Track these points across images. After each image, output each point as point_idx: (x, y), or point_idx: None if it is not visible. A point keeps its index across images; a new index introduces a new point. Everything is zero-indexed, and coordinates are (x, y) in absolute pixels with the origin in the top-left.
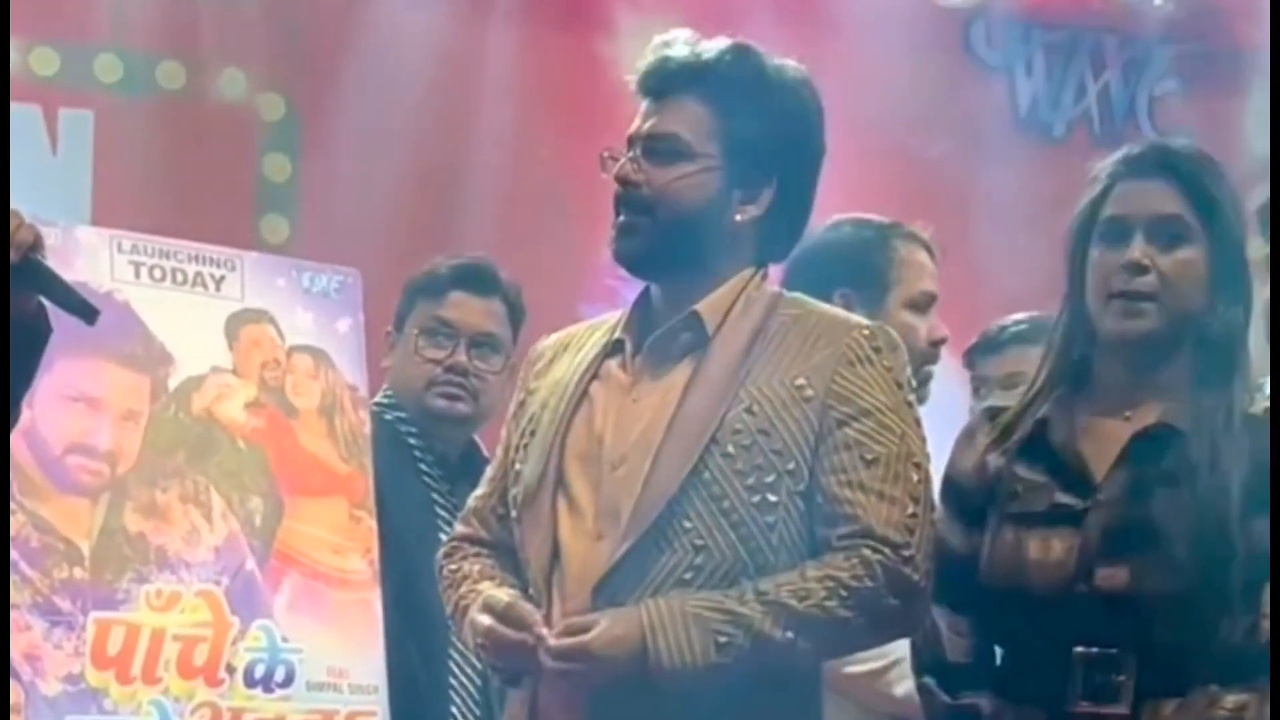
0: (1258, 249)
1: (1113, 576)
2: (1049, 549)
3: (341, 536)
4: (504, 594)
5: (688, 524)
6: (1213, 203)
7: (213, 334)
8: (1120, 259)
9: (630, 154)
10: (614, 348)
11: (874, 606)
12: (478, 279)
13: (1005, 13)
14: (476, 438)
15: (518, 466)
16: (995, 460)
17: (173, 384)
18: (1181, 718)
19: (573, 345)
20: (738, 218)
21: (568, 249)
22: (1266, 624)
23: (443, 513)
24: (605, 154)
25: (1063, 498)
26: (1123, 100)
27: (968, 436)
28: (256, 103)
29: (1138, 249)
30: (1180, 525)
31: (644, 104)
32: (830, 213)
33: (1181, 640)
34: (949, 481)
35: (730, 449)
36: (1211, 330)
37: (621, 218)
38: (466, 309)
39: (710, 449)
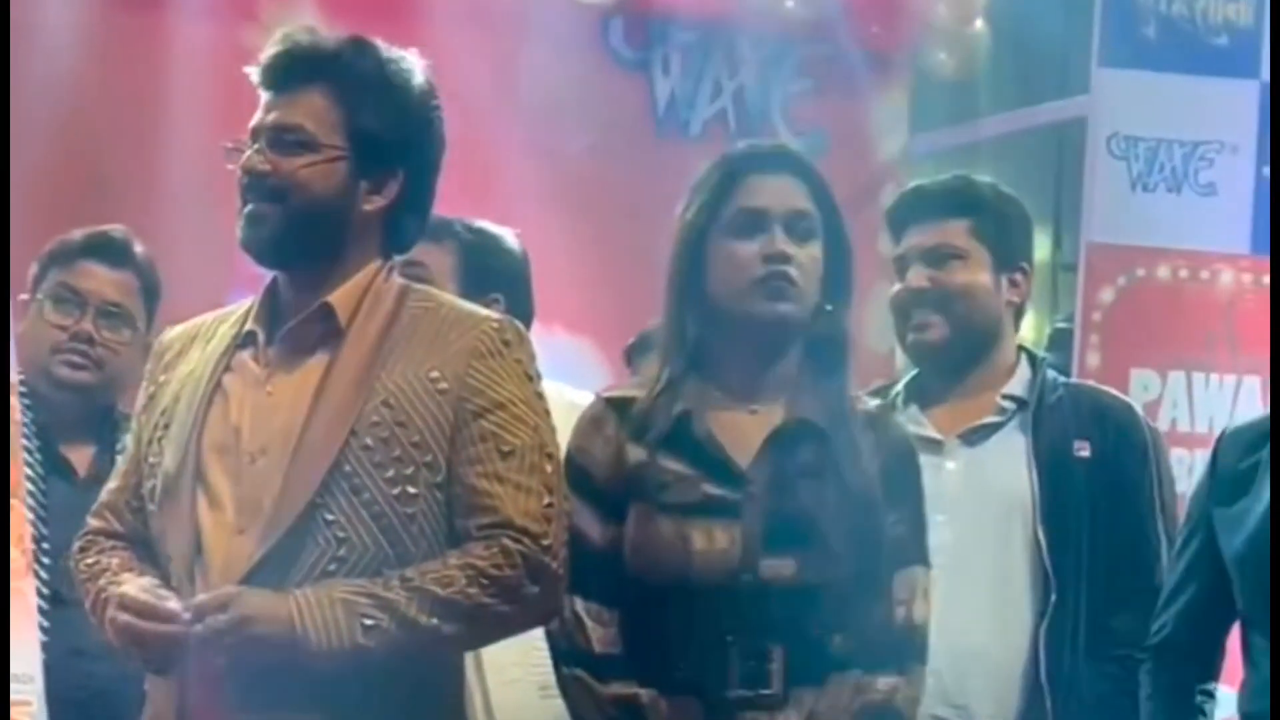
0: (888, 247)
1: (779, 567)
2: (713, 539)
3: None
4: (141, 590)
5: (330, 517)
6: (833, 204)
7: None
8: (762, 248)
9: (255, 145)
10: (246, 339)
11: (515, 594)
12: (109, 249)
13: (643, 11)
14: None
15: (152, 460)
16: (636, 453)
17: None
18: (827, 701)
19: (201, 336)
20: (365, 208)
21: (215, 236)
22: (901, 610)
23: (31, 489)
24: (229, 145)
25: (713, 489)
26: (757, 100)
27: (594, 427)
28: None
29: (780, 239)
30: (834, 517)
31: (266, 96)
32: (464, 206)
33: (832, 627)
34: (580, 472)
35: (369, 442)
36: (824, 327)
37: (249, 207)
38: (96, 278)
39: (350, 442)
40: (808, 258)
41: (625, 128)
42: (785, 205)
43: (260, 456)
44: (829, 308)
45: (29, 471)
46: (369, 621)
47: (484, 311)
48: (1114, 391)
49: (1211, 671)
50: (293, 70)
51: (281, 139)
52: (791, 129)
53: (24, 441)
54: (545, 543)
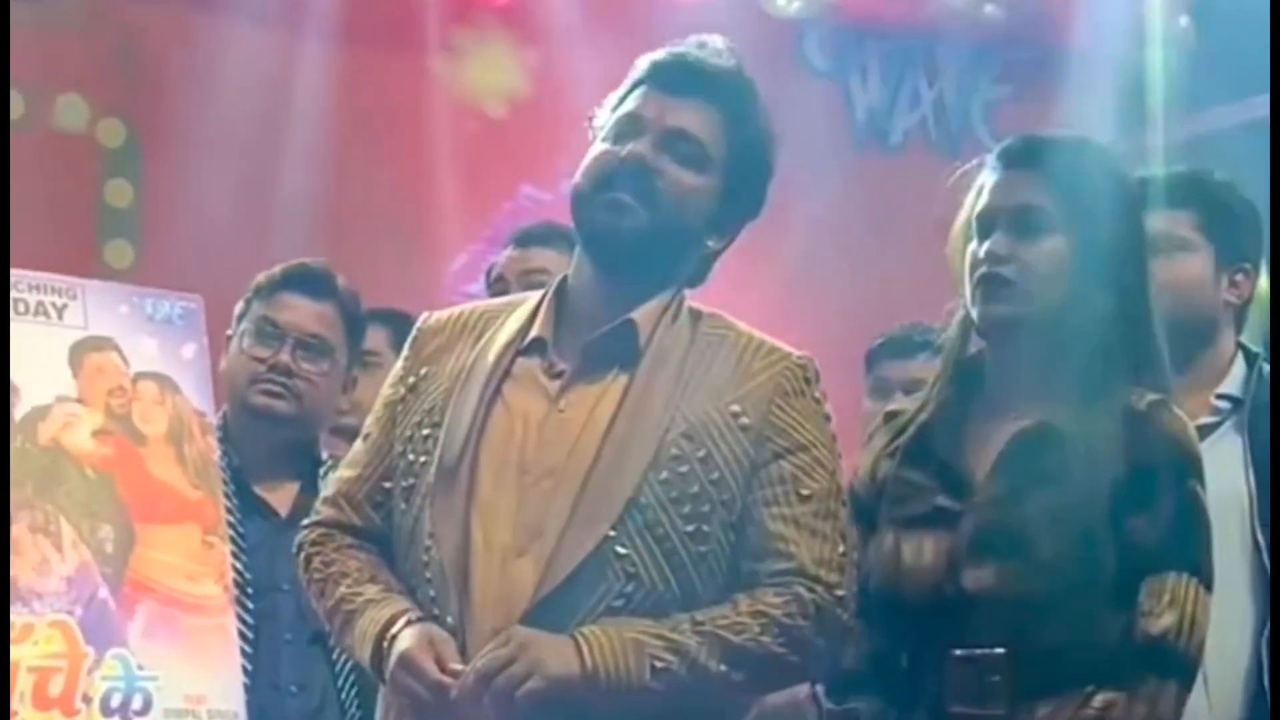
0: (1158, 222)
1: (979, 578)
2: (921, 552)
3: (195, 563)
4: (422, 650)
5: (622, 551)
6: (1077, 192)
7: (57, 363)
8: (983, 249)
9: (647, 136)
10: (532, 346)
11: (804, 645)
12: (309, 281)
13: (837, 23)
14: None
15: (411, 456)
16: (886, 465)
17: (18, 415)
18: (1054, 718)
19: (468, 330)
20: (709, 244)
21: (409, 266)
22: (1146, 622)
23: (230, 531)
24: (592, 118)
25: (943, 501)
26: (958, 107)
27: (870, 442)
28: (96, 129)
29: (998, 238)
30: (1050, 526)
31: (648, 92)
32: None
33: (1053, 640)
34: (851, 488)
35: (666, 475)
36: (1086, 323)
37: (615, 194)
38: (296, 310)
39: (648, 475)
40: (1035, 252)
41: (824, 140)
42: (1012, 202)
43: (547, 478)
44: (1090, 299)
45: (228, 516)
46: (659, 664)
47: (783, 346)
48: None
49: None
50: (689, 78)
51: (678, 146)
52: (994, 135)
53: (222, 485)
54: (839, 593)
